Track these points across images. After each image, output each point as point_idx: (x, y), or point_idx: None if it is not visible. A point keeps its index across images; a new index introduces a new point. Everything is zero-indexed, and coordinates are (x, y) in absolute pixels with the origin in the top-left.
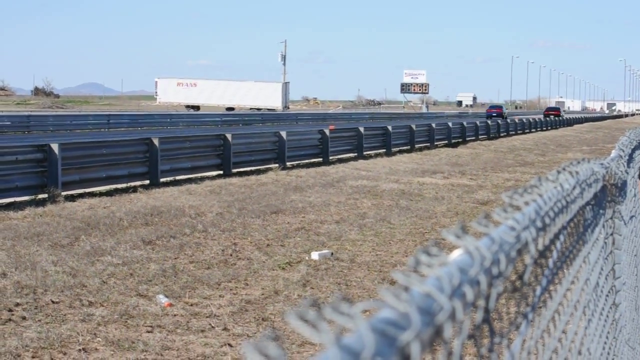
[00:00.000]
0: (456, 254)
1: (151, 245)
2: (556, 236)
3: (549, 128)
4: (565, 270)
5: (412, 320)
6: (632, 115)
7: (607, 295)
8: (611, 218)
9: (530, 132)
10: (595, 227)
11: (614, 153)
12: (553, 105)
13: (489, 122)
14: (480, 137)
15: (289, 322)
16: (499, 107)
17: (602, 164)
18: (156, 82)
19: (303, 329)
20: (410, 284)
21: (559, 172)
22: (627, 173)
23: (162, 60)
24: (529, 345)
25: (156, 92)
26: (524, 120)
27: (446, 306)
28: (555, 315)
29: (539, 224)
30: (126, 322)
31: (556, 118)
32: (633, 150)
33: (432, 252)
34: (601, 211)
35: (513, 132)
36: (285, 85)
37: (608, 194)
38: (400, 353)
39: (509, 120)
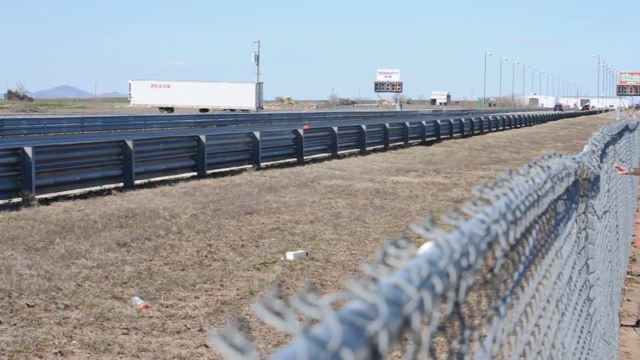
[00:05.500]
0: (426, 247)
1: (126, 248)
2: (528, 230)
3: (523, 125)
4: (537, 264)
5: (380, 311)
6: (606, 111)
7: (580, 290)
8: (584, 212)
9: (504, 129)
10: (568, 222)
11: (586, 148)
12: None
13: (462, 119)
14: (454, 135)
15: (255, 312)
16: (561, 104)
17: (574, 158)
18: (130, 84)
19: (270, 319)
20: (379, 275)
21: (530, 167)
22: (600, 168)
23: (136, 63)
24: (502, 338)
25: (130, 94)
26: (497, 117)
27: (414, 297)
28: (527, 308)
29: (509, 217)
30: (102, 324)
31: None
32: (606, 146)
33: (400, 245)
34: (574, 205)
35: (487, 130)
36: (259, 85)
37: (580, 189)
38: (369, 343)
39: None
